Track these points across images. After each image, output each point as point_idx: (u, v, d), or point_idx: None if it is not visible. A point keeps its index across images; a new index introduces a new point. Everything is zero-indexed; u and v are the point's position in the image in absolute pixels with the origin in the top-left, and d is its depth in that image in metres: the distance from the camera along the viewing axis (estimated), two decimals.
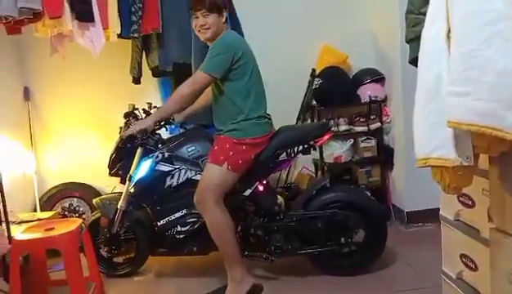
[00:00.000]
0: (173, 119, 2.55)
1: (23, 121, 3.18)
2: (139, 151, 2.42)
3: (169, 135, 2.66)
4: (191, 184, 2.36)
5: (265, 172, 2.42)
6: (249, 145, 2.25)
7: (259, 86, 2.33)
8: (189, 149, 2.44)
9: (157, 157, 2.42)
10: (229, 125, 2.27)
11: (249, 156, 2.26)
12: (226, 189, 2.26)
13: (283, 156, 2.37)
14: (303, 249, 2.42)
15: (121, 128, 2.55)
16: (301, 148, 2.40)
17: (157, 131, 2.52)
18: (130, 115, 2.52)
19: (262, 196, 2.43)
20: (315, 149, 2.57)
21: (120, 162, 2.51)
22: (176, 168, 2.41)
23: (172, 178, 2.41)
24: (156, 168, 2.41)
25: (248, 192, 2.38)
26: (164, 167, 2.41)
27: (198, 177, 2.35)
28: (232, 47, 2.22)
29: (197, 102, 2.53)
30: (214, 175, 2.23)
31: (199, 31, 2.28)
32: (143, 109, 2.56)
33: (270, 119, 2.37)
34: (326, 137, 2.47)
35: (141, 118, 2.51)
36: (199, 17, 2.25)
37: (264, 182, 2.44)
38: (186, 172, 2.40)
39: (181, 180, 2.41)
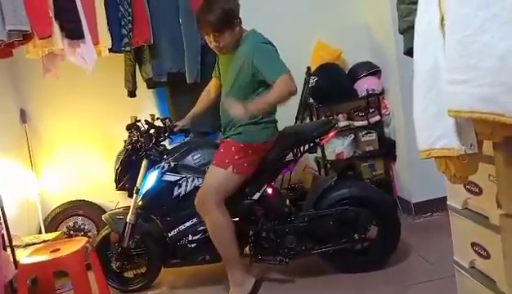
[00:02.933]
0: (175, 126, 2.54)
1: (21, 143, 3.17)
2: (144, 163, 2.41)
3: (174, 145, 2.65)
4: None
5: (272, 174, 2.42)
6: (255, 149, 2.23)
7: None
8: (194, 157, 2.44)
9: (163, 167, 2.41)
10: (238, 128, 2.24)
11: (255, 159, 2.25)
12: (229, 192, 2.24)
13: (289, 157, 2.37)
14: (316, 249, 2.40)
15: (125, 141, 2.55)
16: (307, 147, 2.39)
17: (162, 143, 2.51)
18: (132, 127, 2.51)
19: (271, 198, 2.42)
20: (320, 148, 2.55)
21: (126, 176, 2.50)
22: (183, 177, 2.40)
23: (179, 187, 2.40)
24: (163, 179, 2.41)
25: (257, 196, 2.36)
26: (171, 177, 2.41)
27: None
28: (274, 46, 2.21)
29: (198, 106, 2.54)
30: (218, 178, 2.22)
31: (214, 48, 2.23)
32: (145, 121, 2.55)
33: (276, 122, 2.36)
34: (331, 134, 2.45)
35: (144, 130, 2.47)
36: (211, 39, 2.18)
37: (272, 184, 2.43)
38: (193, 181, 2.40)
39: (188, 189, 2.40)
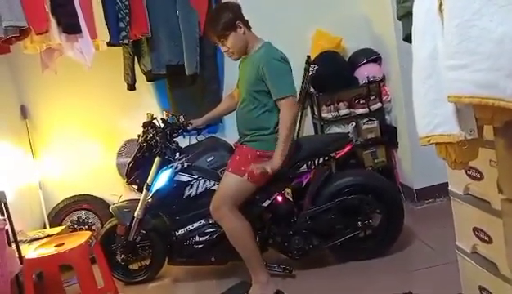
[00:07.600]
0: (191, 123, 2.54)
1: (23, 139, 3.17)
2: (157, 161, 2.41)
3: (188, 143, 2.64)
4: (210, 194, 2.34)
5: (284, 184, 2.41)
6: (271, 158, 2.21)
7: None
8: (208, 160, 2.44)
9: (176, 167, 2.41)
10: (254, 135, 2.25)
11: None
12: (243, 199, 2.26)
13: (303, 168, 2.36)
14: (324, 244, 2.41)
15: (139, 136, 2.54)
16: (321, 160, 2.39)
17: (174, 139, 2.51)
18: (149, 125, 2.51)
19: (280, 206, 2.42)
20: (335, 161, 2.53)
21: (137, 171, 2.50)
22: (195, 178, 2.40)
23: (191, 188, 2.40)
24: (175, 178, 2.41)
25: (267, 203, 2.37)
26: (183, 178, 2.41)
27: (217, 187, 2.34)
28: (288, 64, 2.23)
29: (218, 109, 2.58)
30: (233, 184, 2.23)
31: (228, 55, 2.32)
32: (162, 119, 2.54)
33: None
34: (347, 149, 2.44)
35: (160, 128, 2.47)
36: (219, 44, 2.27)
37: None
38: (204, 183, 2.40)
39: (200, 190, 2.40)
